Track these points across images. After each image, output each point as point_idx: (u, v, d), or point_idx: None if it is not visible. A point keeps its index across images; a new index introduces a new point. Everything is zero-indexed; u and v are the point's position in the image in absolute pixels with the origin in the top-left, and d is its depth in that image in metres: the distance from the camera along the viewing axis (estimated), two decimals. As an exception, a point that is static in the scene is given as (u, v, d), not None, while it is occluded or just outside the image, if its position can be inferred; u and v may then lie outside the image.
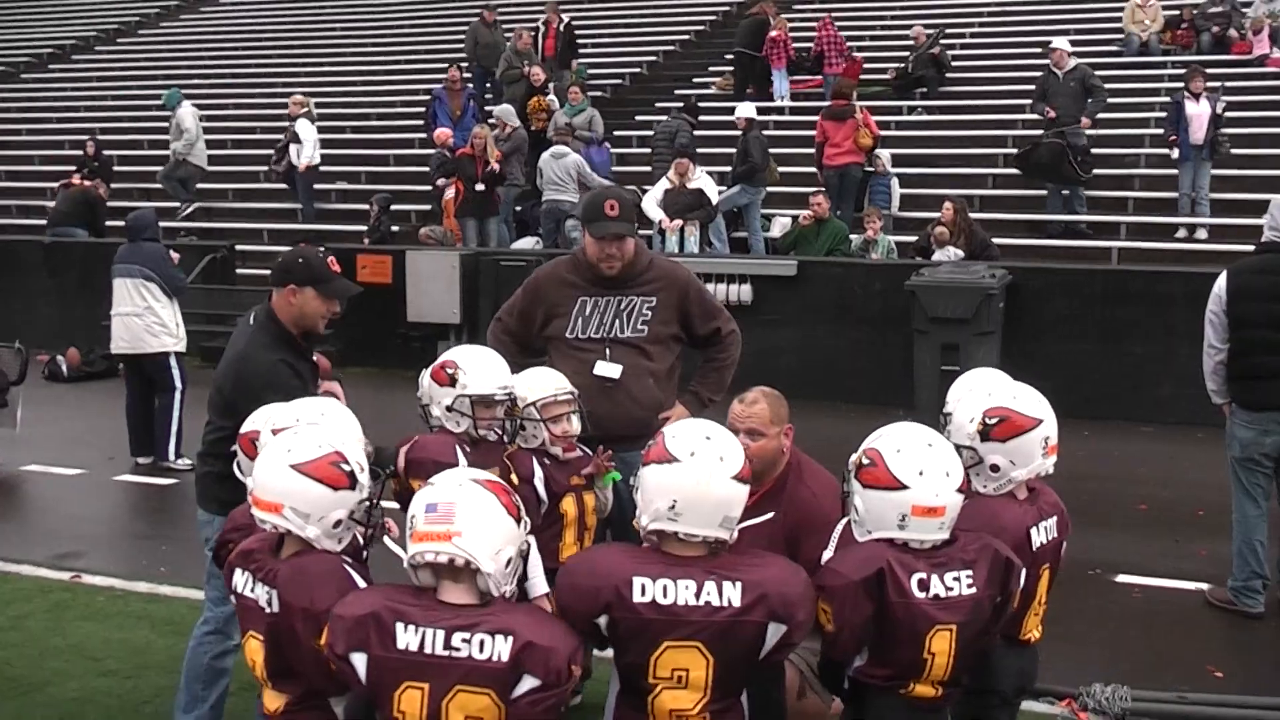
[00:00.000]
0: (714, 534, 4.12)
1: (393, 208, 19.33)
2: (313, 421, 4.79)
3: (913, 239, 15.56)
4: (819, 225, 15.75)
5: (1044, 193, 17.00)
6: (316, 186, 21.13)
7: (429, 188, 19.17)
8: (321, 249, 6.23)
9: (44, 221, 19.86)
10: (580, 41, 23.28)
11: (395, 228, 18.92)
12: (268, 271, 17.47)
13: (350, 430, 4.91)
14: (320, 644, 4.03)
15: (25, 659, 7.53)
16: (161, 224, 19.54)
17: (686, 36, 25.16)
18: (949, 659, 4.27)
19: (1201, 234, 16.08)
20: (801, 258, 15.04)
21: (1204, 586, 8.39)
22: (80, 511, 10.77)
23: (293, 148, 20.24)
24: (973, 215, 16.05)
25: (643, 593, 4.04)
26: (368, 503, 4.36)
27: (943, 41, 20.90)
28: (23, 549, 9.64)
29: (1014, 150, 17.79)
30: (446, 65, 21.03)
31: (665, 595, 4.04)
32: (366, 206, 19.24)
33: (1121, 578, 8.71)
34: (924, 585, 4.23)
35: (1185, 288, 12.24)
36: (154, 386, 11.91)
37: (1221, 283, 8.04)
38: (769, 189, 17.62)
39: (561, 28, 22.34)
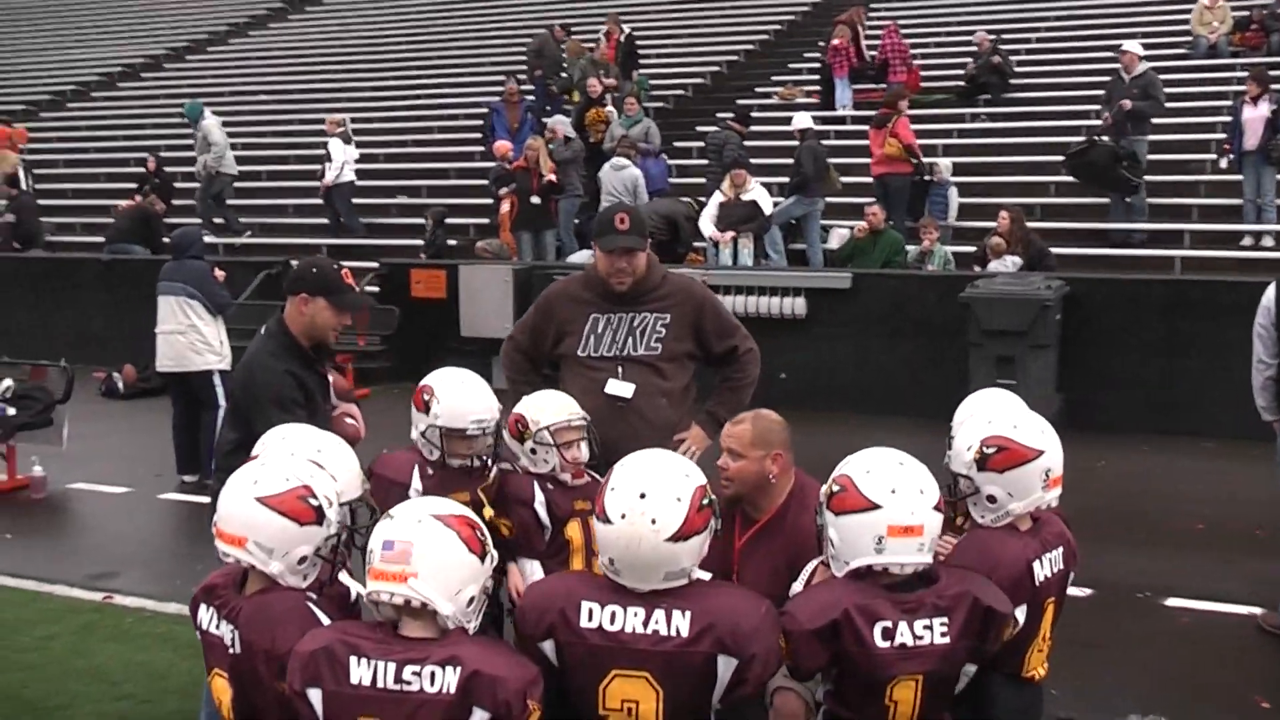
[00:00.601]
0: (661, 585, 4.00)
1: (451, 221, 19.26)
2: (294, 454, 4.66)
3: (973, 249, 15.27)
4: (874, 236, 15.53)
5: (1107, 201, 16.62)
6: (374, 201, 21.20)
7: (488, 201, 19.11)
8: (338, 264, 6.08)
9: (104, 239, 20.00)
10: (643, 52, 23.18)
11: (452, 241, 18.84)
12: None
13: (346, 467, 4.79)
14: (282, 686, 3.92)
15: (45, 681, 7.49)
16: (221, 241, 20.07)
17: (750, 46, 24.94)
18: (914, 708, 4.09)
19: (1268, 241, 15.65)
20: (856, 269, 14.80)
21: (1257, 611, 8.05)
22: (121, 530, 10.76)
23: (327, 165, 20.32)
24: (1034, 224, 15.77)
25: (589, 618, 3.96)
26: (335, 539, 4.23)
27: (1006, 47, 20.56)
28: (59, 569, 9.64)
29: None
30: (502, 77, 20.95)
31: (613, 622, 3.94)
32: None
33: (1171, 601, 8.40)
34: (889, 634, 4.03)
35: (1247, 298, 11.84)
36: (199, 404, 11.87)
37: (1271, 294, 7.78)
38: (830, 199, 17.37)
39: (622, 39, 22.24)
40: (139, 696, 7.19)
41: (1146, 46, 19.42)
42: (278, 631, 4.01)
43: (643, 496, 4.01)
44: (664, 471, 4.14)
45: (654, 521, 3.97)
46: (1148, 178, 16.57)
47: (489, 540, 3.93)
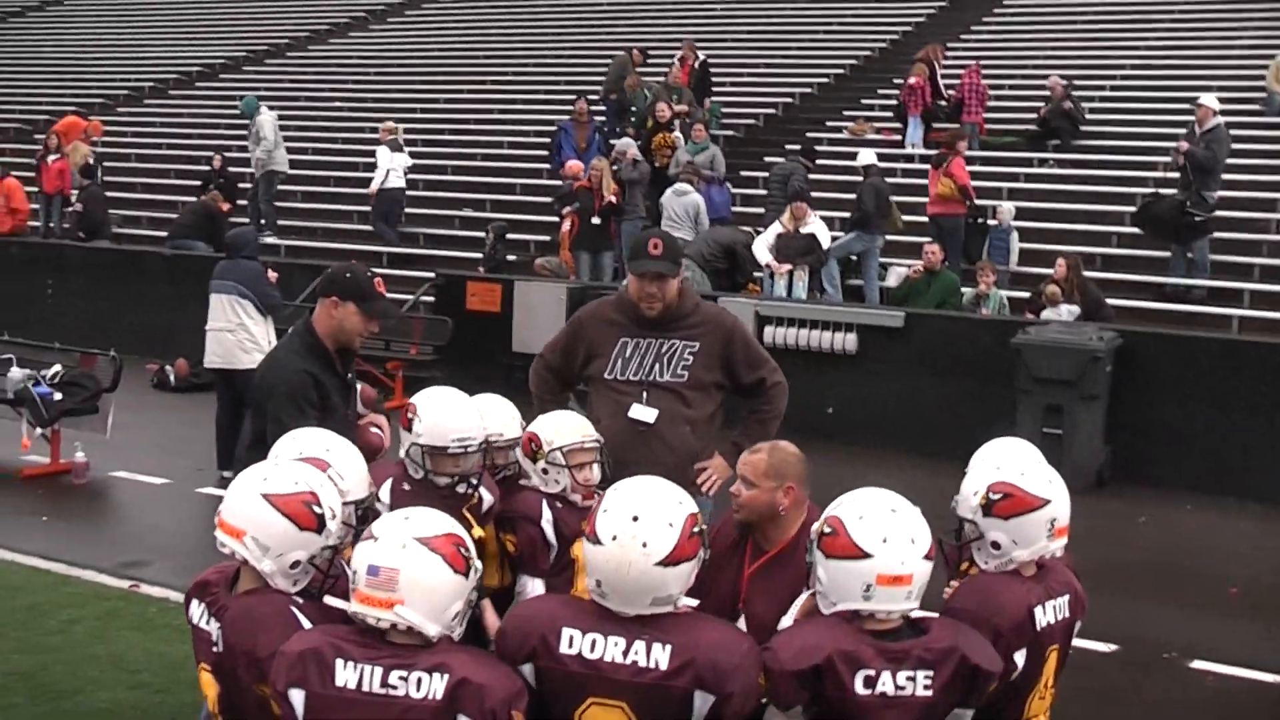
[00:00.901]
0: (646, 612, 3.97)
1: (513, 237, 19.36)
2: (302, 451, 4.70)
3: (1028, 294, 15.16)
4: (930, 277, 15.45)
5: (1168, 254, 16.46)
6: (437, 212, 21.36)
7: (551, 218, 19.17)
8: (371, 271, 6.13)
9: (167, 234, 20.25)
10: (717, 79, 23.18)
11: (512, 256, 18.90)
12: (386, 295, 17.65)
13: (354, 468, 4.80)
14: (262, 689, 3.95)
15: (64, 665, 7.58)
16: (284, 242, 20.24)
17: (825, 80, 24.90)
18: None
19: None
20: (909, 309, 14.72)
21: (1283, 679, 7.96)
22: (156, 520, 10.87)
23: (376, 172, 20.57)
24: (1094, 274, 15.66)
25: (570, 644, 3.94)
26: (330, 551, 4.25)
27: (1080, 94, 20.42)
28: (90, 554, 9.76)
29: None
30: (573, 96, 21.00)
31: (593, 650, 3.92)
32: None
33: (1196, 663, 8.27)
34: (870, 682, 3.99)
35: (1306, 361, 11.80)
36: (243, 402, 11.93)
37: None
38: (891, 238, 17.31)
39: (696, 65, 22.24)
40: (154, 686, 7.25)
41: (1221, 100, 19.32)
42: (259, 636, 4.02)
43: (635, 519, 3.99)
44: (657, 496, 4.12)
45: (645, 545, 3.95)
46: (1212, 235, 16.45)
47: (473, 552, 3.93)
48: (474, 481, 5.38)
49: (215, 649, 4.16)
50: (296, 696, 3.79)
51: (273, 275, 12.60)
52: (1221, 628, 8.98)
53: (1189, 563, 10.46)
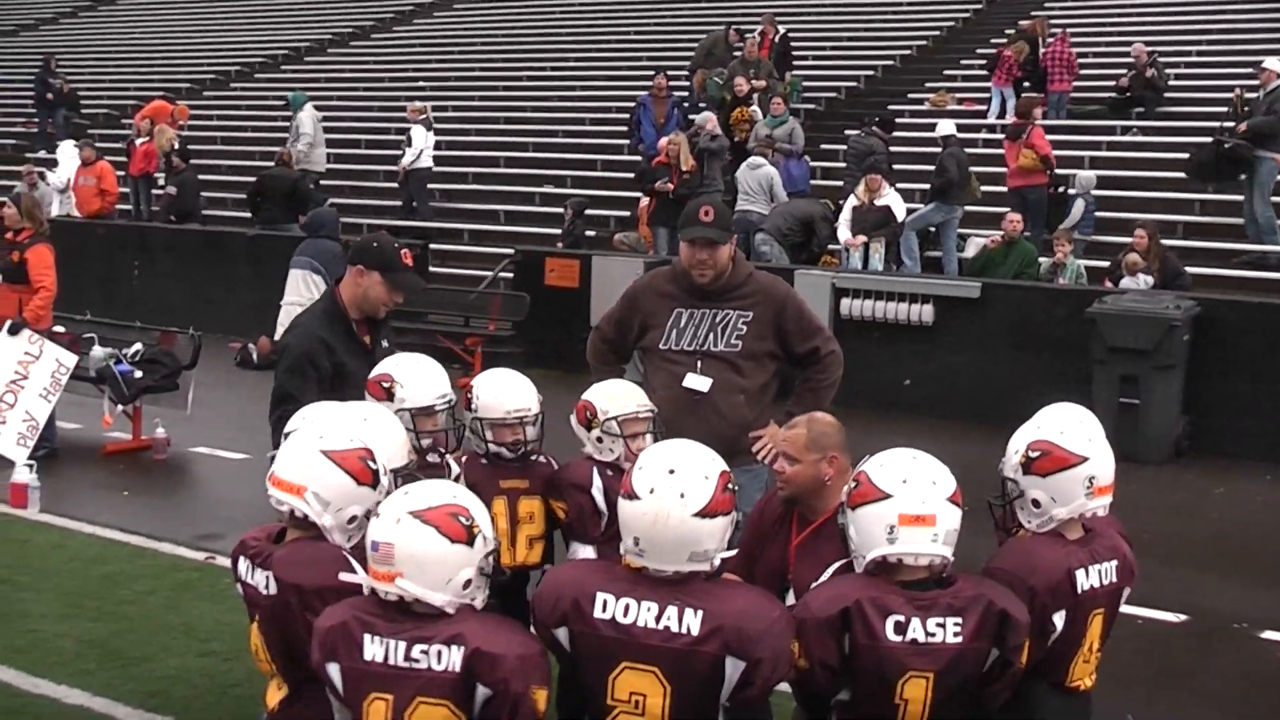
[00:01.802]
0: (684, 568, 4.00)
1: (593, 213, 19.41)
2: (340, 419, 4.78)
3: (1106, 264, 15.01)
4: (1007, 247, 15.34)
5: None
6: (518, 189, 21.56)
7: (631, 194, 19.20)
8: (399, 242, 6.31)
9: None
10: (797, 53, 23.09)
11: (591, 232, 18.95)
12: (464, 270, 17.79)
13: (392, 436, 4.88)
14: (311, 617, 4.07)
15: (136, 633, 7.73)
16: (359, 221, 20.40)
17: (906, 52, 24.75)
18: (924, 708, 4.05)
19: None
20: (985, 279, 14.61)
21: (1356, 649, 7.85)
22: (233, 495, 11.01)
23: (407, 151, 20.78)
24: (1175, 243, 15.48)
25: (604, 609, 3.99)
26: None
27: (1164, 60, 20.13)
28: (169, 527, 9.92)
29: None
30: (654, 72, 20.99)
31: (626, 615, 3.97)
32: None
33: (1267, 634, 8.15)
34: (901, 628, 4.03)
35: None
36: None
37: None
38: (970, 208, 17.19)
39: (776, 39, 22.15)
40: (222, 654, 7.37)
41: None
42: (311, 570, 4.18)
43: (671, 472, 4.04)
44: (692, 452, 4.18)
45: (682, 495, 4.00)
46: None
47: (476, 521, 3.94)
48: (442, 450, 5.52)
49: (266, 593, 4.26)
50: (333, 670, 3.90)
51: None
52: (1294, 599, 8.88)
53: (1263, 535, 10.31)
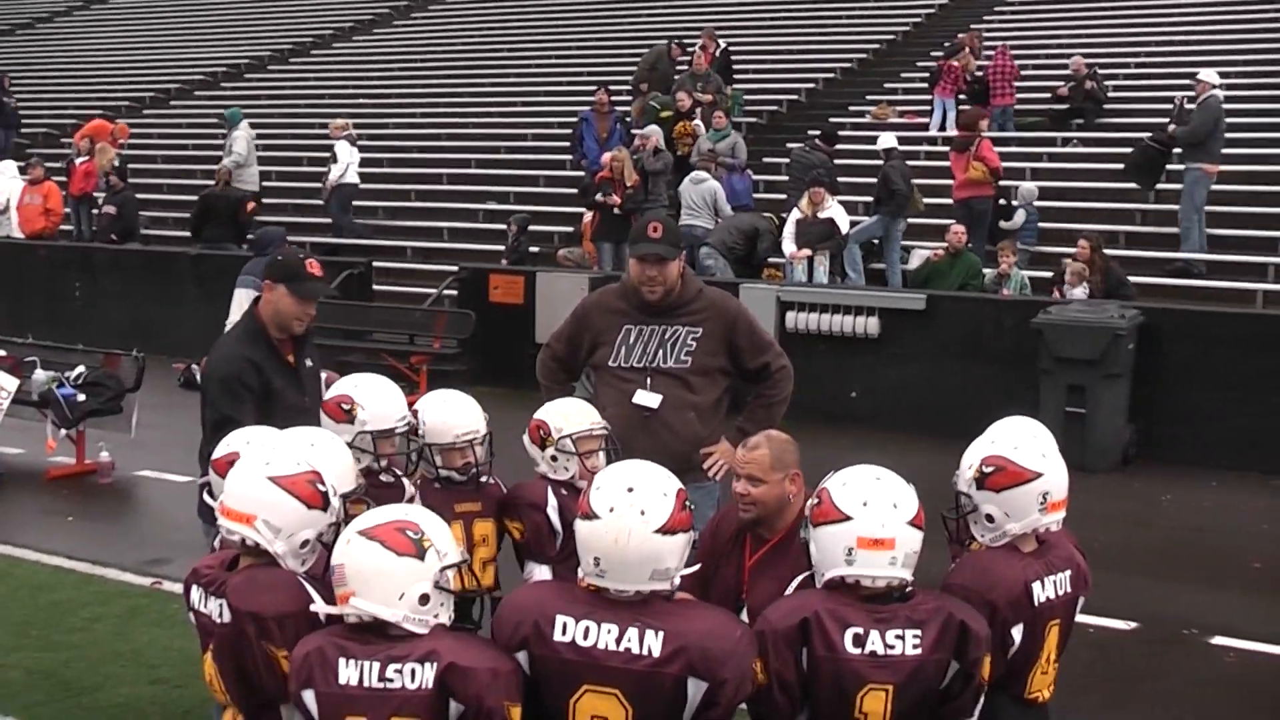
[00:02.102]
0: (645, 588, 3.98)
1: (537, 228, 19.39)
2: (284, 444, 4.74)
3: (1050, 274, 15.11)
4: (952, 259, 15.42)
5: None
6: (463, 205, 21.52)
7: (575, 209, 19.18)
8: (305, 253, 6.30)
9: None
10: (739, 67, 23.14)
11: (535, 248, 18.91)
12: (408, 288, 17.65)
13: (339, 461, 4.83)
14: (269, 648, 4.08)
15: (85, 661, 7.65)
16: (309, 240, 20.28)
17: (848, 65, 24.86)
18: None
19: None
20: (931, 291, 14.68)
21: (1305, 654, 7.91)
22: (180, 519, 10.76)
23: (332, 167, 20.76)
24: (1118, 252, 15.60)
25: (564, 632, 3.95)
26: (336, 527, 4.32)
27: (1103, 73, 20.31)
28: (114, 553, 9.82)
29: (1166, 187, 17.25)
30: (595, 88, 20.99)
31: (586, 637, 3.94)
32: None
33: (1217, 639, 8.19)
34: (859, 640, 4.02)
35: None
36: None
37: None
38: (913, 220, 17.27)
39: (717, 53, 22.18)
40: (172, 681, 7.30)
41: (1245, 74, 19.27)
42: (263, 596, 4.15)
43: (630, 491, 4.03)
44: (648, 470, 4.18)
45: (643, 513, 3.98)
46: (1233, 208, 16.41)
47: (427, 535, 3.93)
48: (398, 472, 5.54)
49: (220, 621, 4.23)
50: (309, 697, 3.88)
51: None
52: (1243, 604, 8.91)
53: (1211, 540, 10.40)
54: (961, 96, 20.63)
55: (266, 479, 4.26)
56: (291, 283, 5.95)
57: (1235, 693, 7.53)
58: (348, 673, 3.84)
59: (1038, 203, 17.16)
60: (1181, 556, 9.98)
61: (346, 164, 20.69)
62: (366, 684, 3.81)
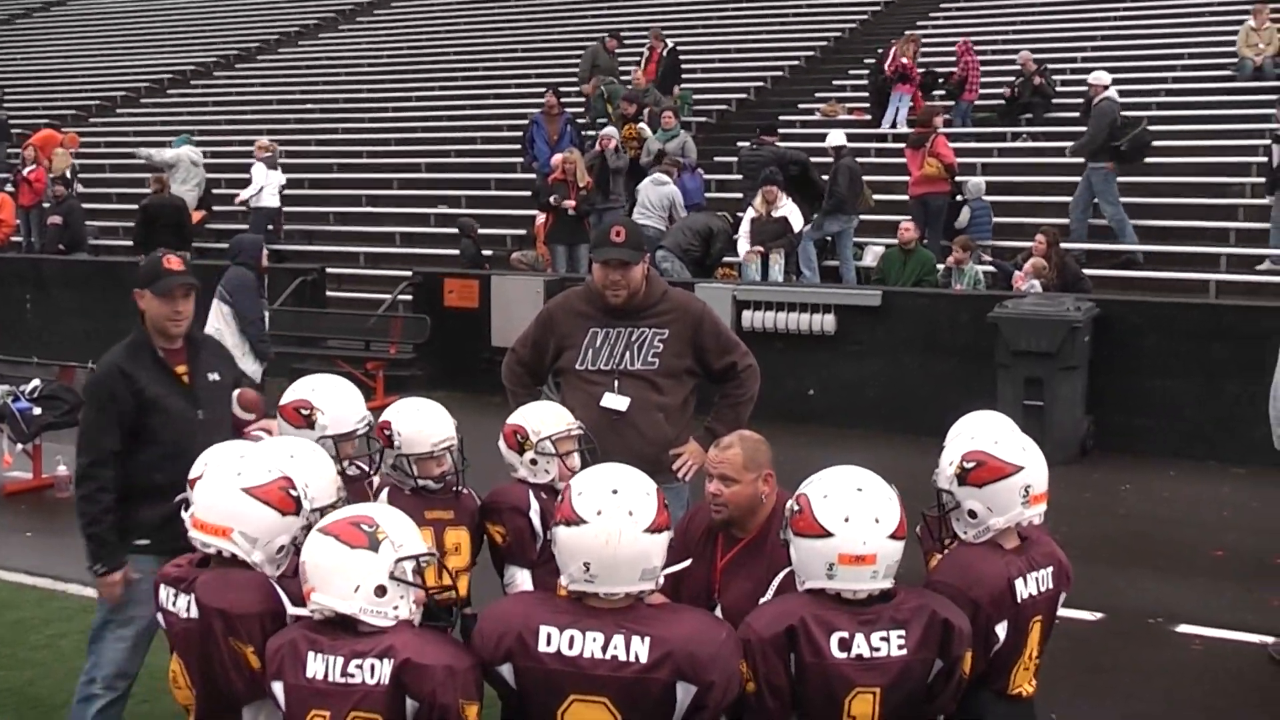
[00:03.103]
0: (634, 589, 3.98)
1: (488, 232, 19.32)
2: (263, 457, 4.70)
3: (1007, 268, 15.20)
4: (905, 255, 15.46)
5: (1146, 223, 16.56)
6: (414, 210, 21.54)
7: (526, 212, 19.14)
8: (163, 253, 6.09)
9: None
10: (687, 66, 23.16)
11: (488, 251, 18.84)
12: (362, 294, 17.49)
13: (320, 473, 4.80)
14: (237, 644, 4.13)
15: (51, 678, 7.56)
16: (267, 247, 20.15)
17: (795, 63, 24.92)
18: None
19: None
20: (886, 288, 14.73)
21: (1270, 640, 7.93)
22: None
23: (250, 188, 20.73)
24: (1071, 246, 15.69)
25: (548, 642, 3.94)
26: (305, 531, 4.33)
27: (1051, 68, 20.42)
28: (75, 568, 9.49)
29: (1121, 179, 17.38)
30: (545, 90, 20.95)
31: (571, 646, 3.93)
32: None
33: (1182, 628, 8.27)
34: (845, 644, 4.03)
35: (1281, 324, 11.77)
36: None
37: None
38: (867, 217, 17.33)
39: (665, 53, 22.18)
40: (139, 696, 7.14)
41: (1192, 68, 19.44)
42: (234, 595, 4.20)
43: (615, 493, 4.04)
44: (627, 472, 4.20)
45: (631, 513, 3.99)
46: (1186, 200, 16.54)
47: (380, 529, 3.97)
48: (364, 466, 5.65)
49: (186, 616, 4.28)
50: (278, 688, 3.95)
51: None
52: (1206, 592, 8.99)
53: (1172, 529, 10.47)
54: (947, 89, 20.78)
55: (240, 490, 4.29)
56: (152, 284, 5.77)
57: (1203, 680, 7.57)
58: (315, 666, 3.90)
59: (991, 197, 17.23)
60: (1144, 546, 10.04)
61: (260, 186, 20.59)
62: (330, 678, 3.87)
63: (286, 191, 22.25)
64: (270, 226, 20.24)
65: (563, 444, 5.57)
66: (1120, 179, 16.81)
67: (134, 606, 5.77)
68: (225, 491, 4.31)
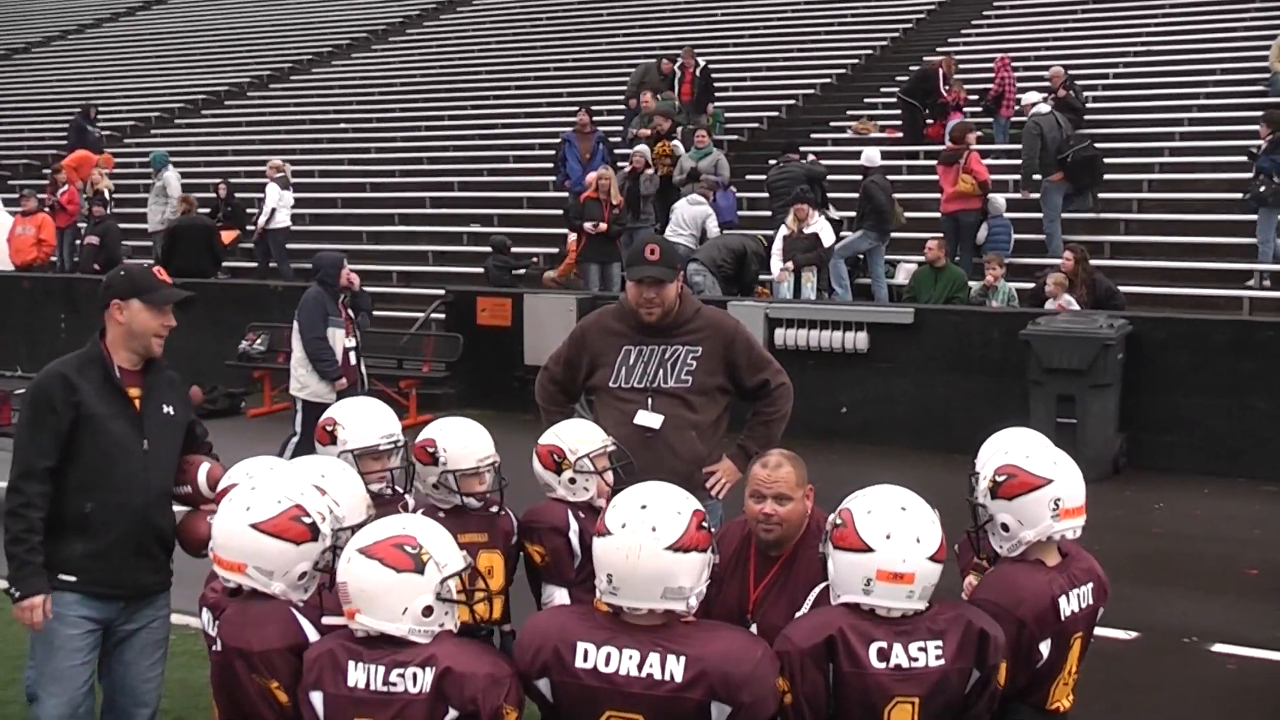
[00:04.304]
0: (657, 606, 3.99)
1: (521, 250, 19.33)
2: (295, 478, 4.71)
3: (1033, 285, 15.13)
4: (936, 272, 15.45)
5: (1178, 240, 16.48)
6: (447, 229, 21.60)
7: (559, 230, 19.16)
8: (149, 263, 5.98)
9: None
10: (720, 84, 23.16)
11: (520, 270, 18.85)
12: (395, 312, 17.33)
13: (350, 492, 4.85)
14: (260, 681, 4.14)
15: (84, 696, 7.55)
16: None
17: (827, 80, 24.91)
18: None
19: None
20: (918, 305, 14.72)
21: (1304, 658, 7.93)
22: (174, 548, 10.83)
23: (263, 209, 20.88)
24: (1106, 262, 15.65)
25: (585, 658, 3.97)
26: (331, 552, 4.36)
27: (1082, 82, 20.36)
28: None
29: (1150, 195, 17.37)
30: (577, 108, 20.99)
31: (607, 664, 3.95)
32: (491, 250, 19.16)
33: (1218, 647, 8.24)
34: (884, 654, 4.05)
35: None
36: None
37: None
38: (899, 234, 17.30)
39: (698, 72, 22.17)
40: (173, 712, 7.22)
41: (1226, 83, 19.37)
42: (251, 631, 4.20)
43: (643, 508, 4.08)
44: (664, 490, 4.22)
45: (654, 529, 4.01)
46: (1219, 217, 16.50)
47: (424, 550, 4.00)
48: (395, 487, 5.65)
49: (214, 649, 4.33)
50: (316, 698, 3.98)
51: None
52: (1240, 610, 8.95)
53: (1205, 547, 10.43)
54: (925, 112, 20.69)
55: (249, 527, 4.28)
56: (146, 294, 5.33)
57: (1237, 699, 7.56)
58: (356, 676, 3.94)
59: (1019, 215, 17.22)
60: (1177, 564, 10.01)
61: (272, 208, 20.76)
62: (373, 687, 3.91)
63: (320, 211, 22.43)
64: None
65: (600, 461, 5.59)
66: (1154, 195, 16.77)
67: (61, 656, 5.33)
68: (235, 528, 4.30)
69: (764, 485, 4.93)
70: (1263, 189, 15.35)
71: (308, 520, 4.32)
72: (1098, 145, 17.69)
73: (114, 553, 5.28)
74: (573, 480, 5.55)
